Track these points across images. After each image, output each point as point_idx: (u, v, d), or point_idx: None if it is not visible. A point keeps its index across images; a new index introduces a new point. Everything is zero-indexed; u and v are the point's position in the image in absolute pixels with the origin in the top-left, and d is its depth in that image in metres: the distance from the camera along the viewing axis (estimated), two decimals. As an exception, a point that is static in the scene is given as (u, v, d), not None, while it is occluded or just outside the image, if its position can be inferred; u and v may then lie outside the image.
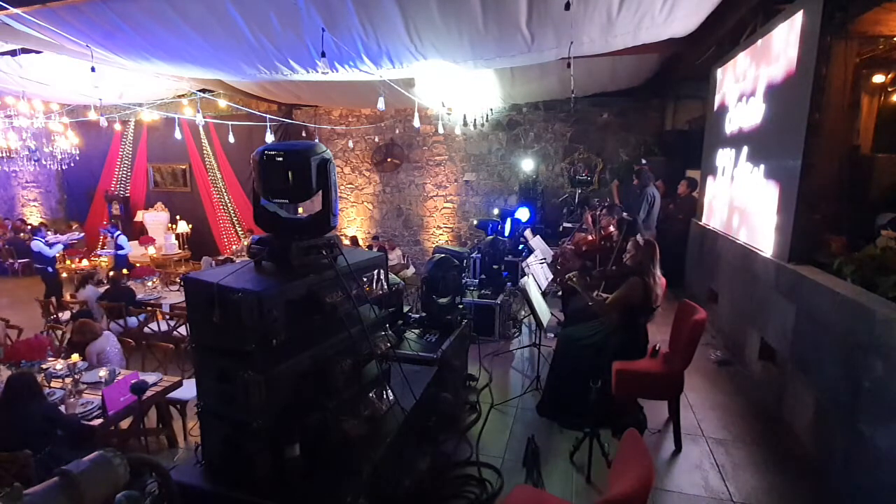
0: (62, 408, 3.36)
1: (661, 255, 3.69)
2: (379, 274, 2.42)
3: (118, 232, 9.06)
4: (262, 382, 1.74)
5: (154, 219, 11.01)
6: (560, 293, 5.76)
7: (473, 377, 4.40)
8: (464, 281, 4.54)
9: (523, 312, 6.02)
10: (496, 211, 8.63)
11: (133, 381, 3.33)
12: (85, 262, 8.96)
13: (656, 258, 3.64)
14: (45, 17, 3.87)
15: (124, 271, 7.18)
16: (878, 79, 4.96)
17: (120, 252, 8.76)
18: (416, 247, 10.28)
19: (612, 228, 5.29)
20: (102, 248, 9.27)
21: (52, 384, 3.74)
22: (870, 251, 3.21)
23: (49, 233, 9.74)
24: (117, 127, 7.93)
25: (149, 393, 3.49)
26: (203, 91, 7.61)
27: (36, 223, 11.52)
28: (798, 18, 3.83)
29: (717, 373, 4.70)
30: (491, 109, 8.96)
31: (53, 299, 6.52)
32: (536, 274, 4.99)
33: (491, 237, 6.06)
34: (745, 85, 5.12)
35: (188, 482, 1.88)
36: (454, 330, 3.73)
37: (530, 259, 5.37)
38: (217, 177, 10.71)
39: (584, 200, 8.51)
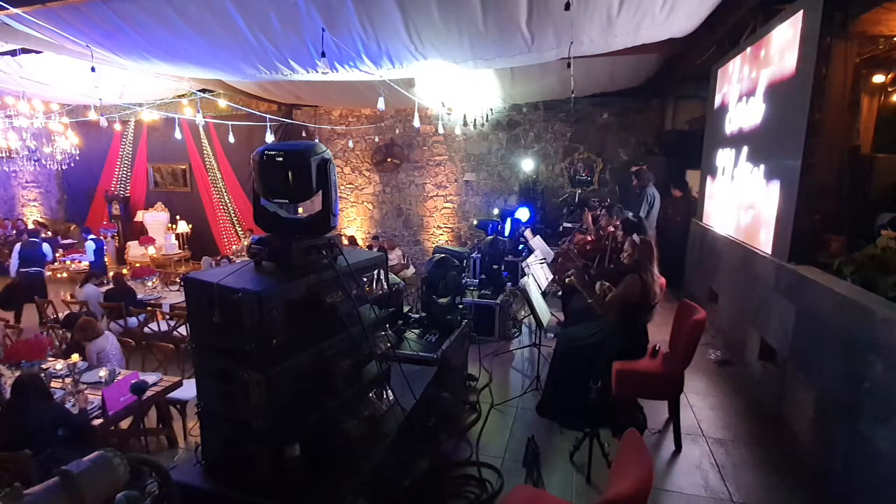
0: (68, 405, 3.37)
1: (662, 255, 3.70)
2: (379, 274, 2.42)
3: (91, 235, 8.97)
4: (262, 382, 1.74)
5: (154, 219, 11.01)
6: (560, 293, 5.76)
7: (473, 377, 4.40)
8: (464, 281, 4.54)
9: (523, 312, 6.02)
10: (496, 211, 8.63)
11: (133, 381, 3.33)
12: (85, 263, 8.90)
13: (653, 256, 3.65)
14: (45, 17, 3.87)
15: (124, 270, 7.17)
16: (878, 79, 4.96)
17: (92, 259, 8.48)
18: (416, 247, 10.27)
19: (611, 228, 5.30)
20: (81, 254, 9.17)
21: (52, 384, 3.74)
22: (870, 251, 3.20)
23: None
24: (117, 127, 7.92)
25: (149, 393, 3.50)
26: (203, 91, 7.61)
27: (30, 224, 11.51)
28: (798, 18, 3.83)
29: (717, 373, 4.69)
30: (491, 109, 8.95)
31: (51, 301, 6.50)
32: (536, 274, 4.99)
33: (491, 237, 6.06)
34: (745, 85, 5.12)
35: (188, 482, 1.88)
36: (454, 330, 3.73)
37: (530, 259, 5.37)
38: (217, 177, 10.71)
39: (584, 200, 8.50)
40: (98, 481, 1.18)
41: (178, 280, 7.33)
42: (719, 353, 5.02)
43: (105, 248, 8.93)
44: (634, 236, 3.80)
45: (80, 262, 9.15)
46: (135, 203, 11.36)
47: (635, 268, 3.63)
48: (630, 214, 5.35)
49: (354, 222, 10.58)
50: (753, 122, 4.80)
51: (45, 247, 7.81)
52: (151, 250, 9.98)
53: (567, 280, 4.26)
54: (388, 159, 10.13)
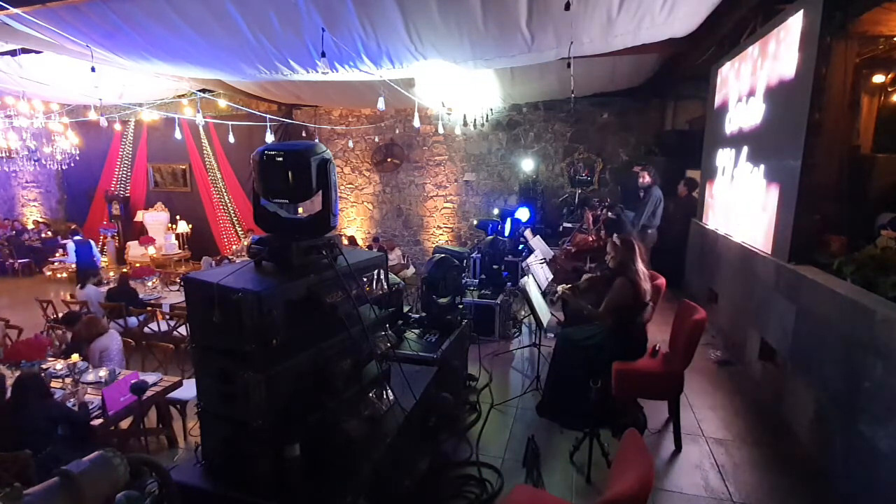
0: (69, 403, 3.37)
1: (662, 255, 3.70)
2: (379, 274, 2.42)
3: (76, 237, 8.94)
4: (262, 382, 1.74)
5: (154, 219, 11.02)
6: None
7: (473, 377, 4.40)
8: (464, 281, 4.54)
9: (523, 312, 6.02)
10: (496, 211, 8.62)
11: (133, 381, 3.33)
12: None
13: (636, 254, 3.66)
14: (45, 17, 3.87)
15: (124, 270, 7.17)
16: (878, 79, 4.96)
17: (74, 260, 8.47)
18: (416, 247, 10.27)
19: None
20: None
21: (52, 384, 3.74)
22: (870, 251, 3.21)
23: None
24: (117, 127, 7.92)
25: (149, 393, 3.50)
26: (203, 91, 7.60)
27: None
28: (798, 18, 3.83)
29: (717, 373, 4.69)
30: (491, 109, 8.95)
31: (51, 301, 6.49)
32: (536, 274, 4.99)
33: (491, 237, 6.05)
34: (745, 85, 5.12)
35: (188, 482, 1.88)
36: (454, 330, 3.73)
37: (530, 259, 5.36)
38: (217, 177, 10.71)
39: (584, 200, 8.50)
40: (98, 481, 1.18)
41: (178, 280, 7.33)
42: (719, 353, 5.02)
43: (93, 248, 8.90)
44: (615, 237, 3.82)
45: (71, 263, 9.15)
46: (135, 203, 11.37)
47: (621, 270, 3.64)
48: (609, 213, 5.34)
49: (354, 222, 10.58)
50: (753, 122, 4.80)
51: None
52: (151, 250, 9.99)
53: (563, 293, 4.28)
54: (388, 159, 10.13)
